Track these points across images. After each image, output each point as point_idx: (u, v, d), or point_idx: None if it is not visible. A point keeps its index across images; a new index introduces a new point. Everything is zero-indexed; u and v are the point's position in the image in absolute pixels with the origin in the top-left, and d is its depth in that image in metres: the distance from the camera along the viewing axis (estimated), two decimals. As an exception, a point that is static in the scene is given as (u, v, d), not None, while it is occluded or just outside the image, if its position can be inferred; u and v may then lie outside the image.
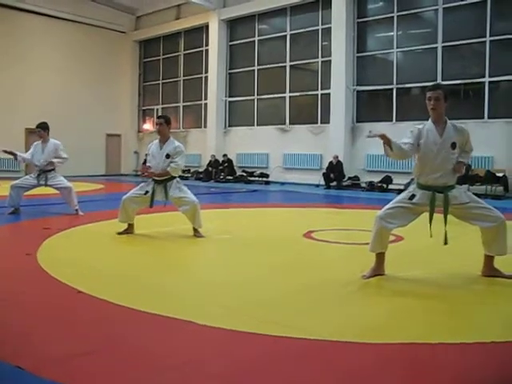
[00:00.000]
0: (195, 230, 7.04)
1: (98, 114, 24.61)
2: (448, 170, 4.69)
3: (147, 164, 7.13)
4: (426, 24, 17.38)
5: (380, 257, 4.77)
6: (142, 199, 7.00)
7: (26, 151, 9.61)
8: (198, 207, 6.96)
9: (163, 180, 6.96)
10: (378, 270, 4.76)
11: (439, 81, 16.21)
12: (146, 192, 6.97)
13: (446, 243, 4.75)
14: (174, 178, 7.06)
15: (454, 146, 4.68)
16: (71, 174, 22.35)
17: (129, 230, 7.07)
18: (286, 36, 20.52)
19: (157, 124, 7.09)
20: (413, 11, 17.13)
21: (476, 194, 4.85)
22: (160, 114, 25.71)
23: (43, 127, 9.16)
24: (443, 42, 16.29)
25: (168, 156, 6.96)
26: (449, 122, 4.75)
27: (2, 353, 2.91)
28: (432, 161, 4.66)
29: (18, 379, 2.62)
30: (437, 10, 16.47)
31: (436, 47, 16.46)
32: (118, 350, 3.02)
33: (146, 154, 7.42)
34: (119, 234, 6.98)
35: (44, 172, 9.07)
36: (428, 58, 16.79)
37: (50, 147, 9.12)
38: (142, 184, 7.16)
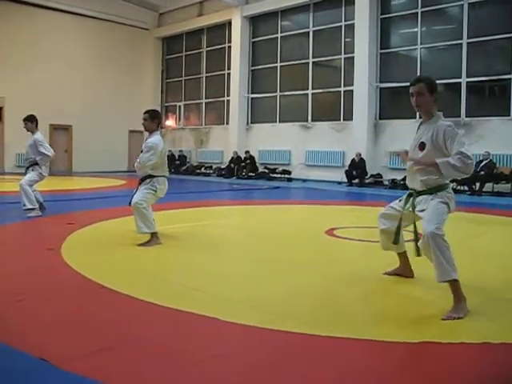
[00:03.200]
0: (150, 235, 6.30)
1: (121, 111, 24.81)
2: (414, 173, 4.12)
3: None
4: (450, 20, 17.18)
5: (399, 257, 4.67)
6: None
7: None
8: (136, 210, 6.19)
9: (141, 179, 6.47)
10: (399, 270, 4.70)
11: (464, 77, 16.06)
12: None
13: (418, 255, 4.07)
14: (149, 177, 6.40)
15: (421, 146, 4.02)
16: (94, 170, 22.77)
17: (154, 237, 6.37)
18: (308, 32, 20.45)
19: (142, 119, 6.50)
20: (437, 7, 16.94)
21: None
22: (182, 110, 25.87)
23: (27, 119, 8.76)
24: (468, 38, 16.09)
25: (141, 151, 6.47)
26: (437, 118, 4.04)
27: (27, 345, 2.96)
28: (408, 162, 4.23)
29: (42, 371, 2.66)
30: (462, 5, 16.25)
31: (461, 43, 16.26)
32: (141, 345, 3.05)
33: None
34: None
35: (29, 166, 8.79)
36: (452, 54, 16.60)
37: (30, 141, 8.74)
38: None
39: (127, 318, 3.55)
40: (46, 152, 8.61)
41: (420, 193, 4.09)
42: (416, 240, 4.15)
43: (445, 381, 2.68)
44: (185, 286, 4.36)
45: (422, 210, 3.97)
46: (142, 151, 6.46)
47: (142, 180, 6.46)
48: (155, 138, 6.44)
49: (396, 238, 4.34)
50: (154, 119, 6.52)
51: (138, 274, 4.85)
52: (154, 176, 6.40)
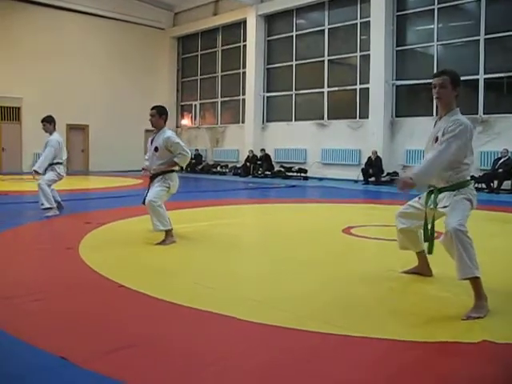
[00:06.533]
0: (165, 234, 6.27)
1: (137, 110, 24.83)
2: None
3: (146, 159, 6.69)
4: (467, 16, 17.01)
5: (418, 256, 4.63)
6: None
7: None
8: (151, 207, 6.16)
9: (155, 175, 6.43)
10: (417, 269, 4.67)
11: (481, 74, 15.89)
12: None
13: (430, 252, 4.10)
14: (165, 173, 6.39)
15: (436, 140, 4.00)
16: (110, 169, 22.90)
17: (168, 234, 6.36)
18: (324, 30, 20.36)
19: (149, 115, 6.48)
20: (454, 3, 16.76)
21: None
22: (198, 109, 25.91)
23: (46, 120, 8.85)
24: (486, 34, 15.89)
25: (156, 149, 6.38)
26: (455, 113, 4.00)
27: (47, 344, 2.98)
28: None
29: (62, 370, 2.68)
30: (479, 0, 16.06)
31: (478, 40, 16.08)
32: (159, 344, 3.06)
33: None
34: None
35: (50, 165, 8.84)
36: (470, 50, 16.43)
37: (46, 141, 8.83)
38: None
39: (145, 317, 3.56)
40: (44, 154, 8.66)
41: (441, 190, 4.03)
42: (432, 238, 4.10)
43: (463, 381, 2.65)
44: (202, 285, 4.37)
45: (445, 207, 3.91)
46: (156, 149, 6.38)
47: (154, 176, 6.44)
48: (174, 134, 6.54)
49: (426, 235, 4.23)
50: (161, 115, 6.52)
51: (155, 272, 4.87)
52: (167, 172, 6.40)
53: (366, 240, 6.73)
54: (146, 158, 6.77)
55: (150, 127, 6.95)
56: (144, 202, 6.30)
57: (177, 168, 6.57)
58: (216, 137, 25.04)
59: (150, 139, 6.73)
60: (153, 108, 6.59)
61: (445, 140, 3.85)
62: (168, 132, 6.48)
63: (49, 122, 8.81)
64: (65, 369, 2.68)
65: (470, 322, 3.45)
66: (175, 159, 6.36)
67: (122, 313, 3.67)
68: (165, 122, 6.59)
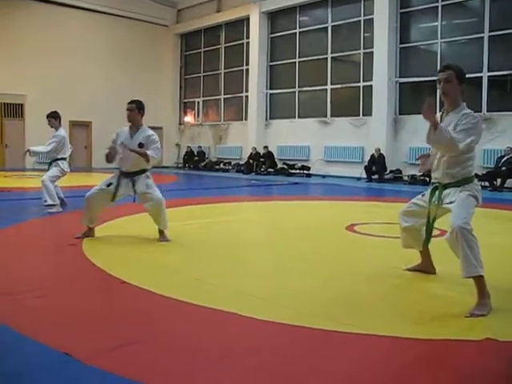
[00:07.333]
0: (160, 232, 6.22)
1: (140, 107, 24.87)
2: (442, 164, 4.02)
3: (118, 154, 6.36)
4: (471, 13, 16.96)
5: (421, 254, 4.61)
6: (106, 193, 6.26)
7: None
8: (163, 205, 6.15)
9: (132, 173, 6.24)
10: (420, 266, 4.65)
11: (485, 72, 15.85)
12: (110, 184, 6.28)
13: (425, 246, 4.20)
14: (144, 171, 6.30)
15: None
16: (113, 166, 22.85)
17: (89, 233, 6.26)
18: (327, 28, 20.32)
19: (127, 110, 6.23)
20: (458, 0, 16.71)
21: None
22: (201, 106, 25.88)
23: (51, 116, 8.90)
24: (490, 31, 15.83)
25: (141, 145, 6.16)
26: (462, 108, 3.98)
27: (50, 340, 2.98)
28: (433, 154, 4.20)
29: (66, 366, 2.68)
30: (483, -2, 16.04)
31: (482, 37, 16.02)
32: (162, 341, 3.06)
33: (113, 141, 6.44)
34: (77, 238, 6.10)
35: (51, 162, 8.96)
36: (473, 48, 16.38)
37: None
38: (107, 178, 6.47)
39: (148, 314, 3.56)
40: (46, 145, 8.82)
41: (446, 186, 4.02)
42: (429, 235, 4.12)
43: (467, 378, 2.65)
44: (205, 282, 4.37)
45: (451, 203, 3.89)
46: (140, 145, 6.17)
47: (135, 173, 6.25)
48: (153, 132, 6.36)
49: (428, 237, 4.22)
50: (140, 110, 6.33)
51: (157, 269, 4.87)
52: (145, 170, 6.31)
53: (369, 237, 6.73)
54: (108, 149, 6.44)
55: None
56: (134, 200, 6.27)
57: (148, 166, 6.35)
58: (219, 134, 25.04)
59: (120, 134, 6.44)
60: (131, 102, 6.37)
61: (461, 130, 3.82)
62: (150, 131, 6.36)
63: (54, 118, 8.89)
64: (68, 365, 2.68)
65: (473, 319, 3.45)
66: (149, 152, 6.11)
67: (125, 309, 3.67)
68: (141, 118, 6.39)
